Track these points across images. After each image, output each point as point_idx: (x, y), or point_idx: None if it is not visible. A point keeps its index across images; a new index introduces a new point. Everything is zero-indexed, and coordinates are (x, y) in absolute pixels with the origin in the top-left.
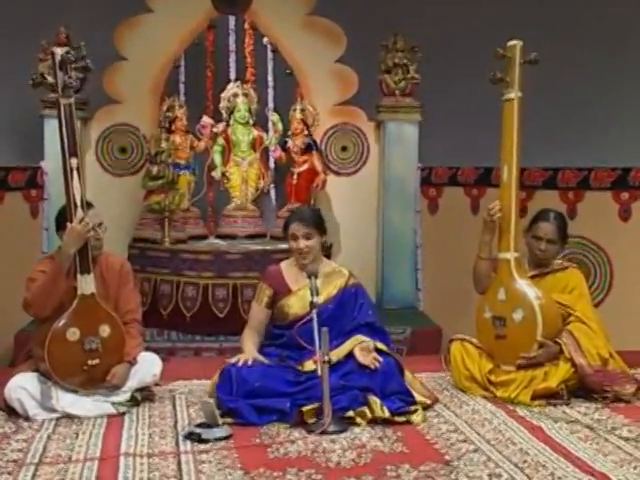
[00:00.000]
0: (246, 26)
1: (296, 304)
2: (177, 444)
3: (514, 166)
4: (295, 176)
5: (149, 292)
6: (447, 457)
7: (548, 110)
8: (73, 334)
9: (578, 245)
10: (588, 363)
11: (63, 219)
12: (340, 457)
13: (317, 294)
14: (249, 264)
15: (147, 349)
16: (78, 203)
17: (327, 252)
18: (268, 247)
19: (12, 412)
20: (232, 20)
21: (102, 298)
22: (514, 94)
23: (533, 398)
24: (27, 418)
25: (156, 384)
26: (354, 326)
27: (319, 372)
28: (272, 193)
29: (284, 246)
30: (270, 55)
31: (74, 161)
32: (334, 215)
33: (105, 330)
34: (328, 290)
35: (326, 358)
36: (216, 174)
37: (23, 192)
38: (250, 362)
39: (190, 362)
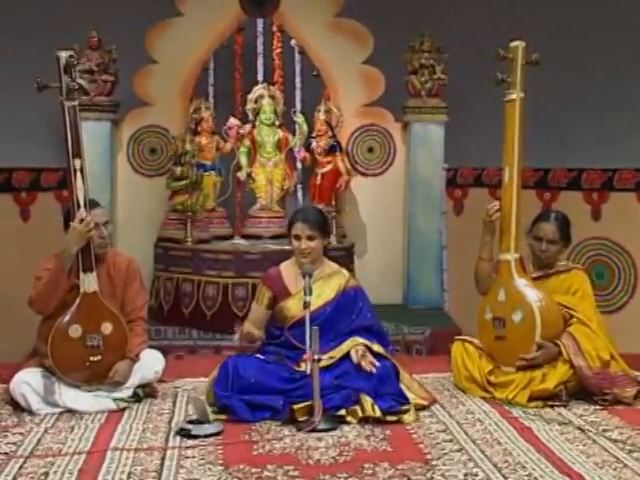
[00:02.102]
0: (274, 28)
1: (294, 306)
2: (167, 440)
3: (515, 167)
4: (319, 177)
5: (172, 291)
6: (428, 456)
7: (573, 111)
8: (75, 331)
9: (602, 247)
10: (588, 365)
11: (69, 218)
12: (322, 455)
13: (310, 294)
14: (268, 264)
15: (169, 347)
16: (81, 203)
17: (349, 253)
18: (287, 247)
19: (18, 407)
20: (260, 23)
21: (108, 296)
22: (516, 95)
23: (531, 399)
24: (30, 412)
25: (162, 381)
26: (352, 328)
27: (308, 370)
28: (299, 194)
29: None
30: (297, 57)
31: (77, 162)
32: (360, 216)
33: (107, 327)
34: (326, 292)
35: (316, 357)
36: (241, 175)
37: (55, 192)
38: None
39: (203, 360)
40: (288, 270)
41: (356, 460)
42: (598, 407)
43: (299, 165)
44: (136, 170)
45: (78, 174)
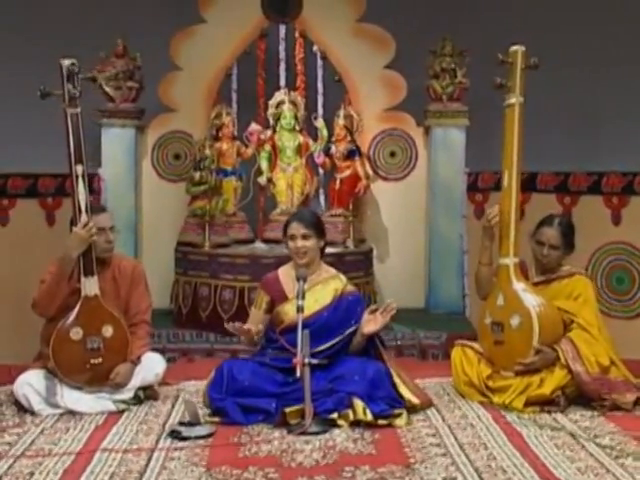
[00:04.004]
0: (296, 34)
1: (291, 311)
2: (157, 441)
3: (514, 171)
4: (338, 182)
5: (190, 295)
6: (411, 460)
7: (593, 113)
8: (76, 333)
9: (622, 251)
10: (586, 370)
11: (72, 223)
12: (305, 457)
13: (303, 298)
14: None
15: (188, 350)
16: (83, 208)
17: (367, 258)
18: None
19: (22, 407)
20: (282, 29)
21: (113, 299)
22: (515, 99)
23: (528, 404)
24: (33, 413)
25: (166, 383)
26: (350, 332)
27: (298, 374)
28: (321, 198)
29: None
30: (320, 62)
31: (79, 168)
32: (382, 220)
33: (108, 330)
34: (324, 297)
35: (306, 361)
36: (262, 180)
37: None
38: (247, 327)
39: (212, 363)
40: (286, 274)
41: (338, 463)
42: (596, 413)
43: (321, 170)
44: (161, 175)
45: (80, 180)
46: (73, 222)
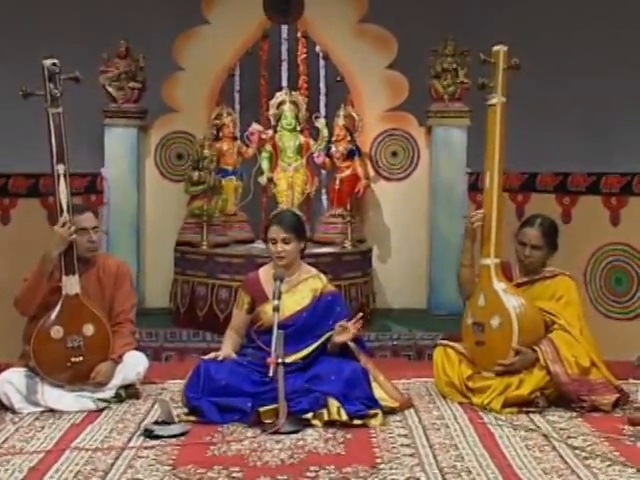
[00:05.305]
0: (298, 35)
1: (271, 311)
2: (129, 440)
3: (496, 172)
4: (337, 182)
5: (187, 294)
6: (378, 460)
7: (594, 114)
8: (57, 332)
9: (621, 252)
10: (565, 371)
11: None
12: (273, 457)
13: (279, 298)
14: None
15: (185, 349)
16: (64, 207)
17: (366, 258)
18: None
19: (3, 406)
20: (285, 29)
21: (97, 298)
22: (497, 99)
23: (506, 405)
24: (13, 411)
25: (152, 382)
26: (327, 331)
27: (271, 373)
28: (323, 198)
29: (318, 250)
30: (322, 62)
31: (61, 167)
32: (384, 220)
33: (89, 329)
34: (303, 297)
35: (280, 360)
36: (262, 180)
37: (83, 197)
38: (220, 358)
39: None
40: (266, 274)
41: (304, 462)
42: (574, 414)
43: (323, 170)
44: (164, 175)
45: (62, 179)
46: (54, 221)
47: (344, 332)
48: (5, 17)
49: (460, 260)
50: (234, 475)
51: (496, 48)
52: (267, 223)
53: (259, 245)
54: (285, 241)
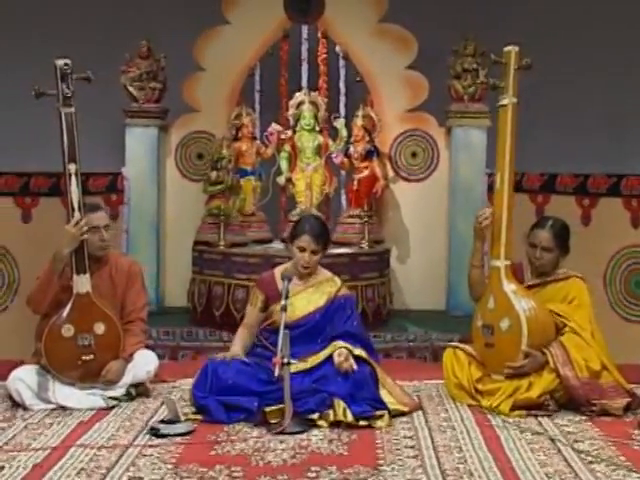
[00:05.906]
0: (319, 35)
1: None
2: (135, 438)
3: (507, 173)
4: (355, 182)
5: (205, 293)
6: (381, 461)
7: (614, 115)
8: (68, 330)
9: None
10: (575, 375)
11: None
12: (275, 457)
13: (287, 297)
14: None
15: (201, 348)
16: (75, 206)
17: (383, 259)
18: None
19: (15, 402)
20: (305, 29)
21: (109, 296)
22: (508, 100)
23: (515, 408)
24: (24, 408)
25: (163, 380)
26: (338, 333)
27: (276, 373)
28: (342, 198)
29: (335, 251)
30: (342, 63)
31: (72, 167)
32: (403, 221)
33: (100, 328)
34: (317, 299)
35: (285, 360)
36: (280, 180)
37: (104, 196)
38: (228, 359)
39: None
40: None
41: (306, 463)
42: (584, 418)
43: (342, 170)
44: (184, 175)
45: (73, 178)
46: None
47: (345, 362)
48: (30, 18)
49: (470, 261)
50: (235, 475)
51: (507, 48)
52: (296, 229)
53: (276, 245)
54: (314, 252)
